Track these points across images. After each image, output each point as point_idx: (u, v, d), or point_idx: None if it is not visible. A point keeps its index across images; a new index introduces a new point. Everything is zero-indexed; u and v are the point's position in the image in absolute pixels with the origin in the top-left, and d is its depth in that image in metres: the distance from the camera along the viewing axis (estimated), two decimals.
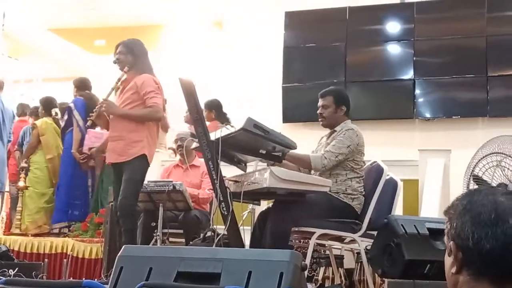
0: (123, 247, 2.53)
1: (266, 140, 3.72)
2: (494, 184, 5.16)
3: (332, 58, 8.55)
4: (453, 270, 1.25)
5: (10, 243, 6.04)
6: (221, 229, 3.86)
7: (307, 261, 3.88)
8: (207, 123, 4.52)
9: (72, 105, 6.54)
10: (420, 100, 8.18)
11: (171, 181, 5.04)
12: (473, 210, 1.24)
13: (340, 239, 4.25)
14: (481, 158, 5.48)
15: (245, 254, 2.44)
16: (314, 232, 3.91)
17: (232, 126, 3.76)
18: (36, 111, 7.33)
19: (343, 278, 4.95)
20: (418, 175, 6.17)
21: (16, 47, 10.72)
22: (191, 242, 4.64)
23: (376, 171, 4.20)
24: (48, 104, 6.98)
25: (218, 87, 9.06)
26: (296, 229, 3.96)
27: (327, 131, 4.31)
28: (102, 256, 5.24)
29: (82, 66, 10.17)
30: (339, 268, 4.91)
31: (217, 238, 3.80)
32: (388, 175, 4.21)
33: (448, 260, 1.28)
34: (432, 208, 5.47)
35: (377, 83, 8.39)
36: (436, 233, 3.45)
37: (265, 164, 4.06)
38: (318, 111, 4.26)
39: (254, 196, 4.03)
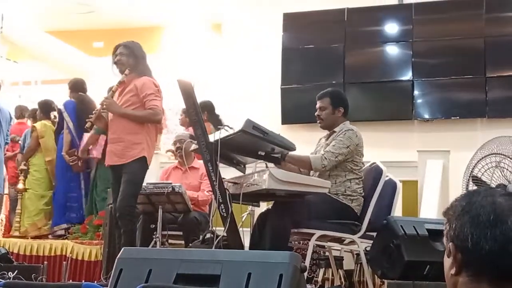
0: (123, 249, 2.53)
1: (265, 142, 3.72)
2: (493, 185, 5.16)
3: (330, 60, 8.55)
4: (452, 271, 1.25)
5: (10, 245, 6.04)
6: (220, 230, 3.85)
7: (307, 262, 3.88)
8: None
9: (62, 107, 6.57)
10: (419, 101, 8.19)
11: (170, 183, 5.04)
12: (472, 212, 1.24)
13: (340, 241, 4.25)
14: (480, 159, 5.48)
15: (244, 255, 2.44)
16: (313, 234, 3.92)
17: (231, 128, 3.75)
18: (34, 113, 7.33)
19: (342, 279, 4.95)
20: (417, 176, 6.17)
21: (15, 49, 10.71)
22: (190, 244, 4.63)
23: (375, 172, 4.20)
24: (46, 107, 6.99)
25: (217, 89, 9.06)
26: (296, 230, 3.96)
27: (326, 132, 4.32)
28: (102, 258, 5.24)
29: (81, 68, 10.16)
30: (339, 270, 4.91)
31: (217, 240, 3.79)
32: (387, 176, 4.21)
33: (447, 261, 1.28)
34: (431, 209, 5.47)
35: (376, 84, 8.39)
36: (436, 234, 3.45)
37: (264, 165, 4.06)
38: (316, 113, 4.27)
39: (254, 197, 4.03)
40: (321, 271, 5.19)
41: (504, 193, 1.25)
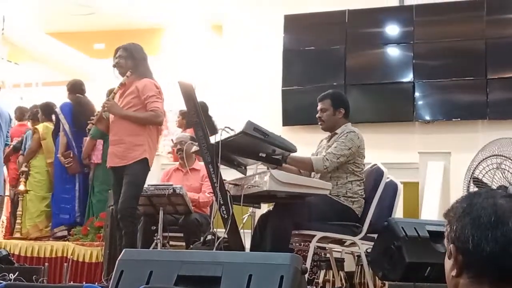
0: (123, 250, 2.53)
1: (266, 143, 3.72)
2: (494, 187, 5.16)
3: (331, 61, 8.56)
4: (453, 273, 1.25)
5: (11, 247, 6.05)
6: (221, 232, 3.85)
7: (308, 264, 3.88)
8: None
9: (58, 109, 6.59)
10: (420, 102, 8.19)
11: (171, 185, 5.05)
12: (473, 213, 1.24)
13: (341, 242, 4.25)
14: (481, 161, 5.48)
15: (245, 257, 2.44)
16: (314, 235, 3.91)
17: (232, 130, 3.75)
18: (34, 114, 7.31)
19: (343, 281, 4.94)
20: (418, 177, 6.17)
21: (16, 51, 10.73)
22: (191, 246, 4.63)
23: (376, 174, 4.20)
24: (48, 109, 7.00)
25: (217, 90, 9.08)
26: (297, 232, 3.96)
27: (327, 134, 4.32)
28: (103, 259, 5.24)
29: (82, 70, 10.19)
30: (340, 271, 4.91)
31: (218, 242, 3.79)
32: (388, 177, 4.21)
33: (448, 263, 1.28)
34: (432, 210, 5.46)
35: (377, 85, 8.39)
36: (437, 236, 3.45)
37: (265, 167, 4.06)
38: (317, 115, 4.28)
39: (255, 199, 4.03)
40: (322, 272, 5.19)
41: (505, 194, 1.25)
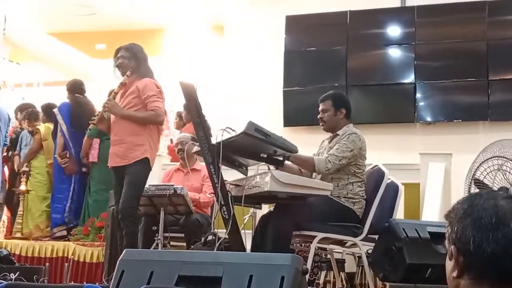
0: (124, 251, 2.53)
1: (267, 144, 3.72)
2: (495, 188, 5.15)
3: (333, 62, 8.55)
4: (454, 274, 1.25)
5: (12, 247, 6.05)
6: (222, 233, 3.85)
7: (309, 265, 3.88)
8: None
9: (56, 110, 6.60)
10: (421, 104, 8.18)
11: (172, 185, 5.05)
12: (474, 214, 1.24)
13: (342, 243, 4.25)
14: (482, 162, 5.48)
15: (246, 258, 2.44)
16: (315, 236, 3.91)
17: (233, 130, 3.75)
18: (29, 114, 7.27)
19: (344, 282, 4.94)
20: (419, 179, 6.17)
21: (17, 51, 10.73)
22: (192, 246, 4.63)
23: (377, 175, 4.20)
24: (49, 109, 7.01)
25: (219, 90, 9.08)
26: (297, 233, 3.96)
27: (328, 134, 4.32)
28: (103, 260, 5.24)
29: (83, 70, 10.19)
30: (341, 272, 4.91)
31: (218, 242, 3.79)
32: (389, 179, 4.21)
33: (449, 264, 1.28)
34: (433, 212, 5.46)
35: (378, 87, 8.39)
36: (438, 237, 3.45)
37: (266, 167, 4.06)
38: (318, 116, 4.29)
39: (256, 200, 4.03)
40: (323, 273, 5.19)
41: (506, 196, 1.25)
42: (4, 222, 7.51)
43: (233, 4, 9.43)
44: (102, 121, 4.65)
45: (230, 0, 9.41)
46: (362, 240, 4.05)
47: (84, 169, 6.55)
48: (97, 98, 6.51)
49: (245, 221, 4.23)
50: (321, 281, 5.16)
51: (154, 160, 4.68)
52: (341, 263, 5.00)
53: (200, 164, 5.60)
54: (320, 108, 4.28)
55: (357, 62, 8.59)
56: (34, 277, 4.45)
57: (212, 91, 8.87)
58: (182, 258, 2.38)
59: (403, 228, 3.47)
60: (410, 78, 8.21)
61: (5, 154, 7.19)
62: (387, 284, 3.53)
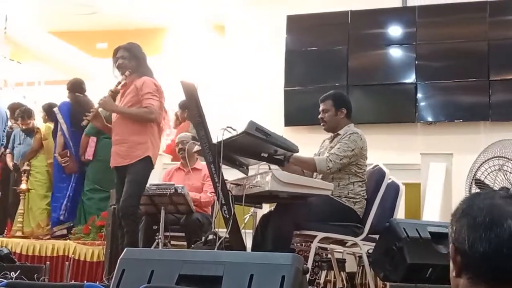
0: (125, 249, 2.53)
1: (268, 143, 3.72)
2: (496, 188, 5.15)
3: (334, 62, 8.55)
4: (453, 273, 1.25)
5: (12, 245, 6.05)
6: (222, 232, 3.85)
7: (309, 264, 3.88)
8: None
9: (56, 109, 6.60)
10: (422, 104, 8.18)
11: (173, 184, 5.05)
12: (470, 214, 1.23)
13: (342, 243, 4.25)
14: (483, 162, 5.47)
15: (246, 257, 2.44)
16: (316, 236, 3.91)
17: (234, 130, 3.75)
18: (23, 112, 7.25)
19: (344, 281, 4.94)
20: (420, 179, 6.16)
21: (18, 50, 10.74)
22: (192, 245, 4.64)
23: (378, 174, 4.20)
24: (50, 109, 7.02)
25: (220, 90, 9.07)
26: (298, 232, 3.96)
27: (329, 134, 4.32)
28: (104, 258, 5.24)
29: (84, 69, 10.18)
30: (341, 272, 4.90)
31: (219, 241, 3.80)
32: (390, 178, 4.21)
33: (451, 264, 1.28)
34: (434, 212, 5.46)
35: (379, 86, 8.38)
36: (438, 237, 3.45)
37: (267, 167, 4.06)
38: (319, 116, 4.28)
39: (256, 199, 4.03)
40: (323, 273, 5.19)
41: (505, 195, 1.24)
42: None
43: (234, 4, 9.43)
44: (97, 118, 4.65)
45: (231, 0, 9.41)
46: (363, 240, 4.05)
47: (85, 168, 6.56)
48: (97, 97, 6.49)
49: (245, 221, 4.23)
50: (321, 281, 5.16)
51: (156, 158, 4.69)
52: (341, 262, 5.00)
53: (201, 164, 5.60)
54: (320, 108, 4.28)
55: (358, 62, 8.58)
56: (35, 276, 4.46)
57: (213, 90, 8.87)
58: (183, 257, 2.38)
59: (403, 228, 3.47)
60: (411, 78, 8.20)
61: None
62: (388, 284, 3.53)
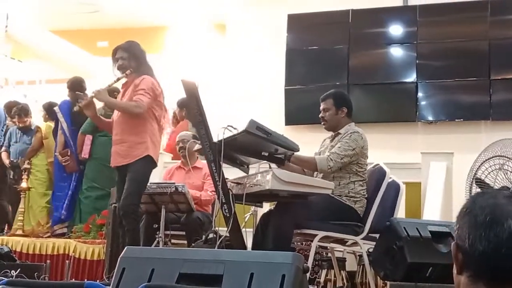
0: (125, 248, 2.53)
1: (269, 142, 3.72)
2: (496, 188, 5.15)
3: (334, 61, 8.54)
4: (455, 271, 1.25)
5: (13, 244, 6.05)
6: (223, 231, 3.85)
7: (309, 263, 3.88)
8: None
9: (56, 108, 6.60)
10: (423, 103, 8.18)
11: (174, 183, 5.05)
12: (472, 212, 1.23)
13: (342, 242, 4.25)
14: (484, 161, 5.47)
15: (247, 256, 2.44)
16: (316, 235, 3.91)
17: (234, 128, 3.75)
18: (20, 110, 7.25)
19: (345, 280, 4.94)
20: (420, 178, 6.16)
21: (19, 48, 10.74)
22: (193, 244, 4.63)
23: (379, 173, 4.20)
24: (51, 109, 7.02)
25: (220, 89, 9.07)
26: (298, 231, 3.96)
27: (330, 133, 4.32)
28: (104, 257, 5.25)
29: (85, 67, 10.19)
30: (341, 271, 4.90)
31: (219, 240, 3.80)
32: (390, 178, 4.21)
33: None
34: (434, 211, 5.46)
35: (380, 85, 8.38)
36: (439, 236, 3.45)
37: (268, 166, 4.06)
38: (320, 115, 4.28)
39: (257, 198, 4.03)
40: (324, 272, 5.18)
41: (509, 195, 1.24)
42: None
43: (235, 3, 9.43)
44: (89, 106, 4.63)
45: None
46: (363, 239, 4.05)
47: (82, 167, 6.57)
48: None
49: (246, 219, 4.23)
50: (321, 280, 5.16)
51: (158, 156, 4.69)
52: (342, 261, 5.00)
53: (202, 162, 5.60)
54: (321, 107, 4.28)
55: (359, 61, 8.58)
56: (35, 274, 4.46)
57: (214, 89, 8.87)
58: (183, 256, 2.38)
59: (404, 227, 3.47)
60: (412, 77, 8.20)
61: None
62: (388, 283, 3.53)
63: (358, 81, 8.38)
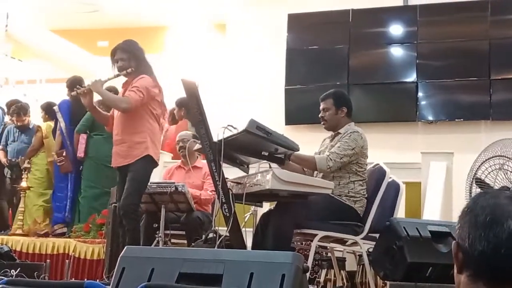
0: (125, 247, 2.53)
1: (269, 142, 3.72)
2: (496, 187, 5.15)
3: (335, 61, 8.55)
4: (455, 270, 1.25)
5: (12, 243, 6.06)
6: (223, 230, 3.85)
7: (309, 263, 3.88)
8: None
9: (56, 107, 6.61)
10: (423, 102, 8.18)
11: (173, 183, 5.05)
12: (473, 212, 1.23)
13: (342, 242, 4.25)
14: (484, 161, 5.47)
15: (247, 255, 2.44)
16: (316, 234, 3.91)
17: (234, 128, 3.75)
18: (19, 108, 7.24)
19: (345, 280, 4.94)
20: (420, 177, 6.16)
21: (19, 47, 10.73)
22: (193, 244, 4.63)
23: (379, 173, 4.20)
24: (49, 108, 7.02)
25: (220, 89, 9.07)
26: (298, 231, 3.96)
27: (330, 133, 4.32)
28: (104, 256, 5.25)
29: (85, 67, 10.19)
30: (341, 271, 4.90)
31: (219, 240, 3.79)
32: (390, 177, 4.21)
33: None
34: (434, 211, 5.46)
35: (380, 85, 8.39)
36: (439, 236, 3.45)
37: (268, 165, 4.06)
38: (320, 115, 4.28)
39: (256, 197, 4.03)
40: (323, 272, 5.18)
41: (511, 195, 1.24)
42: None
43: (235, 3, 9.43)
44: (86, 96, 4.63)
45: None
46: (363, 238, 4.05)
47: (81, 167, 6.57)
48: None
49: (246, 219, 4.23)
50: (321, 279, 5.15)
51: (159, 156, 4.69)
52: (341, 261, 5.00)
53: (201, 162, 5.60)
54: (321, 107, 4.28)
55: (359, 60, 8.58)
56: (35, 273, 4.46)
57: (214, 89, 8.87)
58: (183, 256, 2.38)
59: (404, 227, 3.47)
60: (412, 77, 8.20)
61: None
62: (388, 282, 3.53)
63: (358, 81, 8.38)
